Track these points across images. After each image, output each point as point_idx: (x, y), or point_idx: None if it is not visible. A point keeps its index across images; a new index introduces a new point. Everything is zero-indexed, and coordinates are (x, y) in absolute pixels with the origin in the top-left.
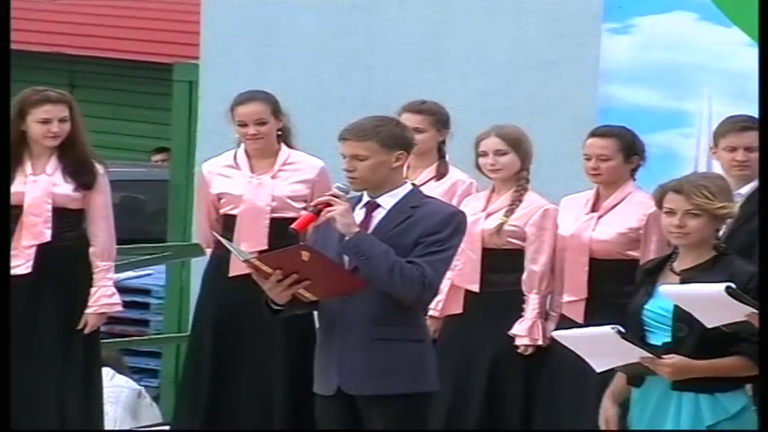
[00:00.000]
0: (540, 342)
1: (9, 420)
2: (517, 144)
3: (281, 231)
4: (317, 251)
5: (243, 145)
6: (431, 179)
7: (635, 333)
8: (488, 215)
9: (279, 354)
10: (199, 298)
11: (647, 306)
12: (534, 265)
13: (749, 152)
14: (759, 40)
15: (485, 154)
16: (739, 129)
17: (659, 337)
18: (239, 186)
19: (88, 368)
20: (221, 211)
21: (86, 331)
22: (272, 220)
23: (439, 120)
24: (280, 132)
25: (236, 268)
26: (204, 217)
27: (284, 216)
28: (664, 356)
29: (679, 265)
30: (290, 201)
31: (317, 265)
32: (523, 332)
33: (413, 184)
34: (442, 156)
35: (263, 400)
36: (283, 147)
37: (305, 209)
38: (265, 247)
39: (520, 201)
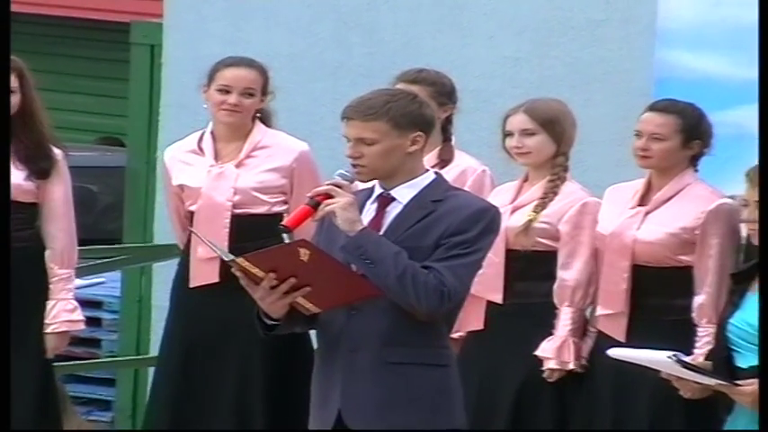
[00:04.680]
0: (571, 366)
1: (9, 420)
2: (550, 123)
3: (246, 231)
4: (320, 249)
5: (210, 125)
6: (433, 167)
7: (720, 352)
8: (515, 209)
9: (257, 380)
10: (167, 314)
11: (731, 320)
12: (566, 272)
13: None
14: (759, 41)
15: (510, 134)
16: None
17: (747, 359)
18: (198, 177)
19: (43, 402)
20: (186, 206)
21: (48, 355)
22: (235, 217)
23: (440, 91)
24: (258, 115)
25: (198, 277)
26: (174, 213)
27: (250, 212)
28: (742, 383)
29: None
30: (257, 194)
31: (320, 266)
32: (550, 353)
33: (436, 173)
34: (447, 138)
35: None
36: (259, 126)
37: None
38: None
39: (554, 192)
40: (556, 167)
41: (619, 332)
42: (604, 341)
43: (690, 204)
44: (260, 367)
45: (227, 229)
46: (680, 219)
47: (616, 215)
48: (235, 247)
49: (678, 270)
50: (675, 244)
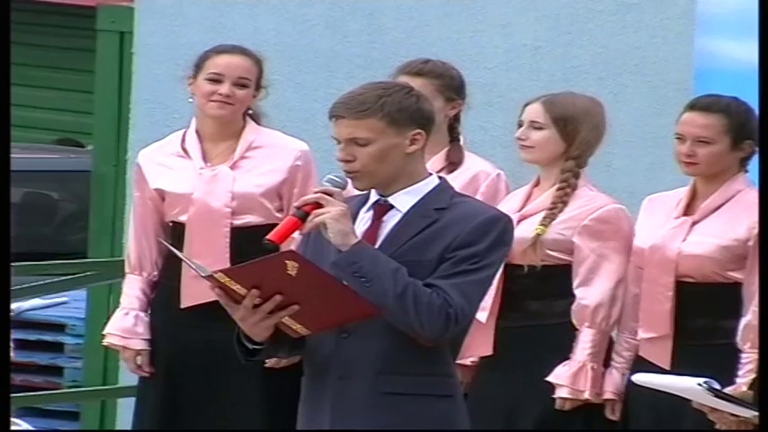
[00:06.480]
0: (586, 395)
1: (9, 420)
2: (562, 120)
3: (248, 243)
4: (310, 261)
5: (194, 123)
6: (441, 171)
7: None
8: (522, 219)
9: (253, 411)
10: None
11: None
12: (586, 290)
13: None
14: (759, 40)
15: (521, 125)
16: None
17: None
18: (186, 181)
19: None
20: (166, 217)
21: None
22: (235, 228)
23: (448, 85)
24: (250, 112)
25: (190, 297)
26: (138, 226)
27: (251, 223)
28: None
29: None
30: (258, 199)
31: (311, 281)
32: (564, 379)
33: (440, 177)
34: (455, 138)
35: None
36: (251, 124)
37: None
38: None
39: (564, 203)
40: (564, 173)
41: (662, 358)
42: (644, 369)
43: (742, 213)
44: (258, 399)
45: (228, 239)
46: (732, 229)
47: (657, 226)
48: (236, 263)
49: (726, 287)
50: (726, 257)
